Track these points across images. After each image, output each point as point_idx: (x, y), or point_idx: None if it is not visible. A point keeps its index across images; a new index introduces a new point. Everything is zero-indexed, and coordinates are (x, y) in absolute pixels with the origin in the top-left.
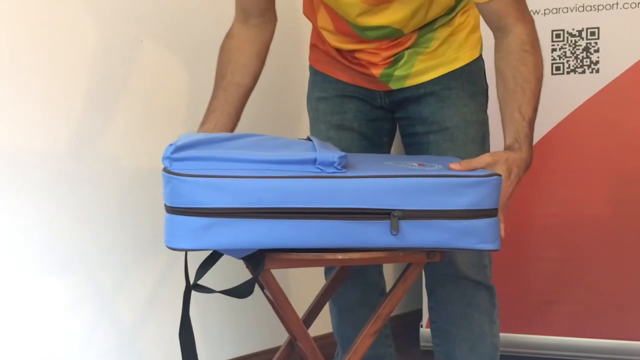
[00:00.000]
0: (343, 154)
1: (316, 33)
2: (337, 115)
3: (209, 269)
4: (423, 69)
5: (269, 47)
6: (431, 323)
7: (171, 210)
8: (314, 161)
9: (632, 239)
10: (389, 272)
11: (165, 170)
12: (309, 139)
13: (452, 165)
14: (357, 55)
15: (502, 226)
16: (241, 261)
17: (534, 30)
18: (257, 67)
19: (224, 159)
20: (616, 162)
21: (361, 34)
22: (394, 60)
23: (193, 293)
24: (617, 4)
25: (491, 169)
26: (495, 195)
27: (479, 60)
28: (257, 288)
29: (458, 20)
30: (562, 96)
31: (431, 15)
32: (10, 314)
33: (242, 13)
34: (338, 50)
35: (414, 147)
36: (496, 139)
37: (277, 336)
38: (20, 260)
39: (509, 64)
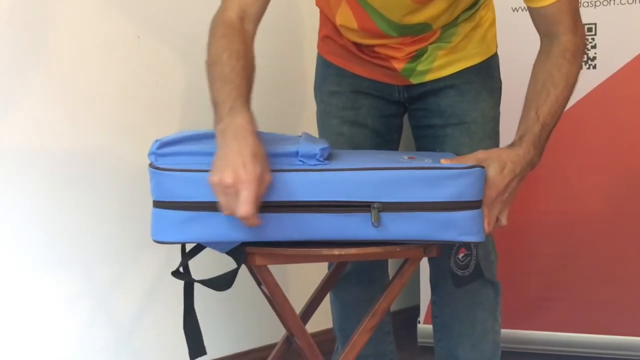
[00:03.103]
0: (326, 146)
1: (331, 26)
2: (350, 110)
3: (191, 258)
4: (444, 63)
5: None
6: (433, 318)
7: (156, 204)
8: (295, 154)
9: (629, 234)
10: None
11: (150, 165)
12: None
13: (444, 161)
14: (377, 49)
15: (486, 220)
16: (231, 260)
17: (581, 42)
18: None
19: (206, 153)
20: (613, 158)
21: (393, 32)
22: (416, 55)
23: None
24: (613, 0)
25: (483, 165)
26: (477, 187)
27: (496, 56)
28: (254, 284)
29: (479, 15)
30: None
31: (459, 10)
32: (8, 310)
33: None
34: (356, 44)
35: (428, 139)
36: (506, 138)
37: (274, 332)
38: (17, 257)
39: (544, 67)
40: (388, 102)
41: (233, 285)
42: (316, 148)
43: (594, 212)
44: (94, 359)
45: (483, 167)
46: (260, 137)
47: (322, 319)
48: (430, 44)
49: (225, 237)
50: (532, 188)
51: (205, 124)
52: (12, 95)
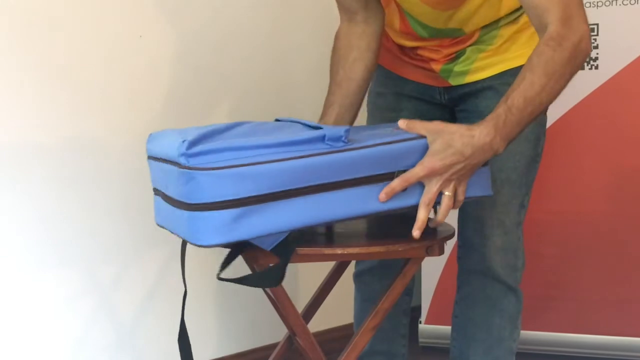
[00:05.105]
0: (348, 127)
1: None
2: (392, 112)
3: (232, 260)
4: (483, 65)
5: (381, 39)
6: (453, 317)
7: (194, 207)
8: (322, 138)
9: (630, 234)
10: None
11: (183, 167)
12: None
13: (400, 123)
14: (419, 52)
15: (387, 189)
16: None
17: (571, 34)
18: (369, 60)
19: (237, 147)
20: (615, 158)
21: (425, 33)
22: (455, 57)
23: (190, 290)
24: (616, 0)
25: (432, 137)
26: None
27: None
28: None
29: (524, 18)
30: (562, 92)
31: (489, 14)
32: (9, 309)
33: (345, 12)
34: (400, 47)
35: None
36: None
37: (276, 332)
38: (19, 256)
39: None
40: (431, 105)
41: (234, 285)
42: (341, 130)
43: (598, 212)
44: (95, 358)
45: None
46: (282, 125)
47: (325, 319)
48: (469, 46)
49: (275, 229)
50: (535, 188)
51: (206, 121)
52: (14, 95)
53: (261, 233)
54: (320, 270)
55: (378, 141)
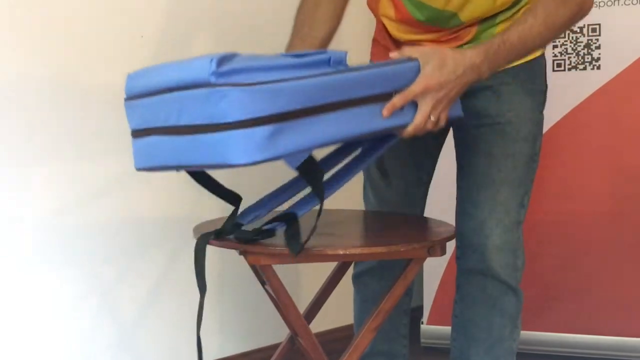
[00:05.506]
0: (345, 52)
1: (379, 26)
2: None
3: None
4: None
5: (344, 9)
6: (453, 317)
7: (229, 126)
8: (328, 61)
9: (632, 234)
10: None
11: (215, 85)
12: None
13: (390, 54)
14: None
15: (389, 105)
16: (235, 260)
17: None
18: (332, 23)
19: (260, 68)
20: (617, 158)
21: (420, 14)
22: None
23: (192, 291)
24: (618, 0)
25: (425, 59)
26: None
27: (541, 58)
28: (258, 284)
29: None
30: (563, 93)
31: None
32: (11, 309)
33: None
34: (397, 43)
35: (463, 138)
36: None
37: (278, 332)
38: (22, 254)
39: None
40: None
41: (236, 285)
42: (342, 54)
43: (598, 213)
44: (97, 358)
45: (416, 61)
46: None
47: (326, 319)
48: (465, 43)
49: (309, 144)
50: (536, 188)
51: None
52: (14, 95)
53: (294, 149)
54: (322, 270)
55: (375, 65)
